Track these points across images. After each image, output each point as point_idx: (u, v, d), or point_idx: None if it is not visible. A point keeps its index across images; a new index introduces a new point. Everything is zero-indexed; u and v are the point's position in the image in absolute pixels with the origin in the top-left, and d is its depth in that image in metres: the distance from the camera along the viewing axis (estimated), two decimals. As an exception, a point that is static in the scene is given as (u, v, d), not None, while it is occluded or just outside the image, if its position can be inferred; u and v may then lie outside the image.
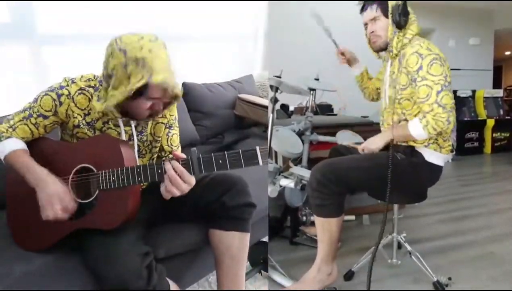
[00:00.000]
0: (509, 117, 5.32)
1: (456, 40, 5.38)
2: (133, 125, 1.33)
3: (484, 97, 5.16)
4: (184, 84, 2.53)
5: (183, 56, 2.61)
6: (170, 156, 1.43)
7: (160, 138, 1.44)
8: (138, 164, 1.21)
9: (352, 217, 2.42)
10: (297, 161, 1.96)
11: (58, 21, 2.04)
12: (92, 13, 2.12)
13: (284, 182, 1.74)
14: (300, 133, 1.98)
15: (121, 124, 1.30)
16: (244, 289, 1.48)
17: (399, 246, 1.83)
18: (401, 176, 1.46)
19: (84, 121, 1.28)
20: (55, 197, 1.17)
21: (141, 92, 1.15)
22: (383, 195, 1.42)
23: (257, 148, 1.09)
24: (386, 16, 1.50)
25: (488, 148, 5.22)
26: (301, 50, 3.74)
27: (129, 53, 1.13)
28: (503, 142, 5.23)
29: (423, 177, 1.55)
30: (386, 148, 1.49)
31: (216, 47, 3.04)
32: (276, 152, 2.07)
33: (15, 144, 1.26)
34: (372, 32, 1.54)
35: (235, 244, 1.43)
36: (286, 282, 1.66)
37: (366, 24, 1.57)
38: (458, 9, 5.22)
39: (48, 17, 1.98)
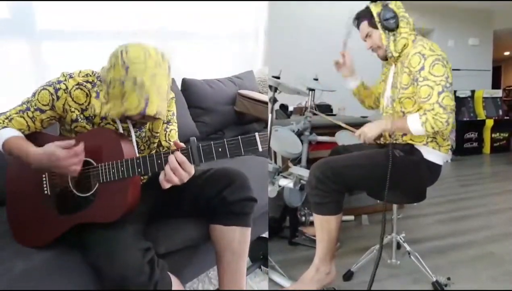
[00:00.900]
0: (508, 117, 5.33)
1: (455, 41, 5.38)
2: (130, 123, 1.33)
3: (483, 98, 5.17)
4: (184, 80, 2.52)
5: (185, 53, 2.61)
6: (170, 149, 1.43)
7: (158, 134, 1.44)
8: None
9: (351, 217, 2.42)
10: (296, 161, 1.96)
11: (58, 17, 2.03)
12: (92, 10, 2.11)
13: (283, 182, 1.74)
14: (299, 134, 1.98)
15: (118, 122, 1.30)
16: (244, 284, 1.48)
17: (398, 246, 1.82)
18: (400, 174, 1.46)
19: (82, 116, 1.28)
20: (65, 156, 1.15)
21: None
22: (382, 194, 1.42)
23: (257, 134, 1.09)
24: (377, 27, 1.53)
25: (487, 148, 5.23)
26: (301, 50, 3.73)
27: (131, 72, 1.12)
28: (502, 142, 5.24)
29: (422, 175, 1.55)
30: (384, 145, 1.49)
31: (217, 46, 3.04)
32: (275, 152, 2.07)
33: (12, 132, 1.26)
34: (371, 46, 1.59)
35: (236, 239, 1.41)
36: (285, 282, 1.66)
37: (365, 40, 1.61)
38: (458, 9, 5.22)
39: (48, 13, 1.98)
